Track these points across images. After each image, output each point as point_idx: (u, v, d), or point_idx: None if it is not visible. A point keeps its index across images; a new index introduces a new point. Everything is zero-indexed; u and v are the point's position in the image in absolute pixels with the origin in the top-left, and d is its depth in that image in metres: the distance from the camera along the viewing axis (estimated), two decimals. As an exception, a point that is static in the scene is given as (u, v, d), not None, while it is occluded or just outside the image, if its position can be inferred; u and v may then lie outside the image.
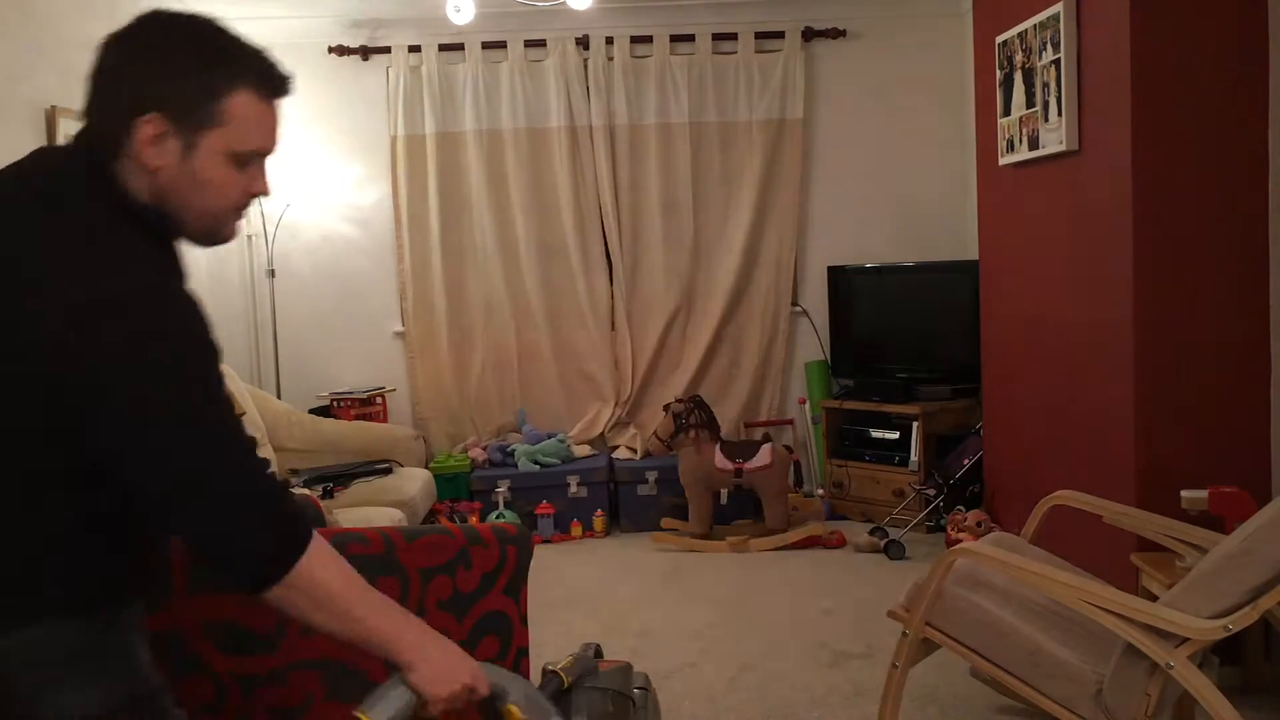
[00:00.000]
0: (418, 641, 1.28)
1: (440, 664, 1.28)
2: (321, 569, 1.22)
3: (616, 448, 5.33)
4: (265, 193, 1.38)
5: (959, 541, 3.19)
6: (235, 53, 1.30)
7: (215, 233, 1.36)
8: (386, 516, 3.87)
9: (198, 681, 1.83)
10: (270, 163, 1.39)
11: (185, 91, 1.27)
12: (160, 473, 1.18)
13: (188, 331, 1.21)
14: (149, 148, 1.26)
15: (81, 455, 1.20)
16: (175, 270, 1.34)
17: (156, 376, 1.17)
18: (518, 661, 1.98)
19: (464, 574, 1.93)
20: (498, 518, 4.81)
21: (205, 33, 1.30)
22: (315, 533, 1.22)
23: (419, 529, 1.98)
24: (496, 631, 1.96)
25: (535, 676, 1.95)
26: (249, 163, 1.33)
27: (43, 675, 1.22)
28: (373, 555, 1.88)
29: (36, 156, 1.32)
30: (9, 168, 1.31)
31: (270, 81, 1.33)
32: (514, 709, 1.34)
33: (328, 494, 4.16)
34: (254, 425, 4.44)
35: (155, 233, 1.29)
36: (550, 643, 3.35)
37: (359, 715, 1.23)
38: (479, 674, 1.32)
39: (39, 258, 1.20)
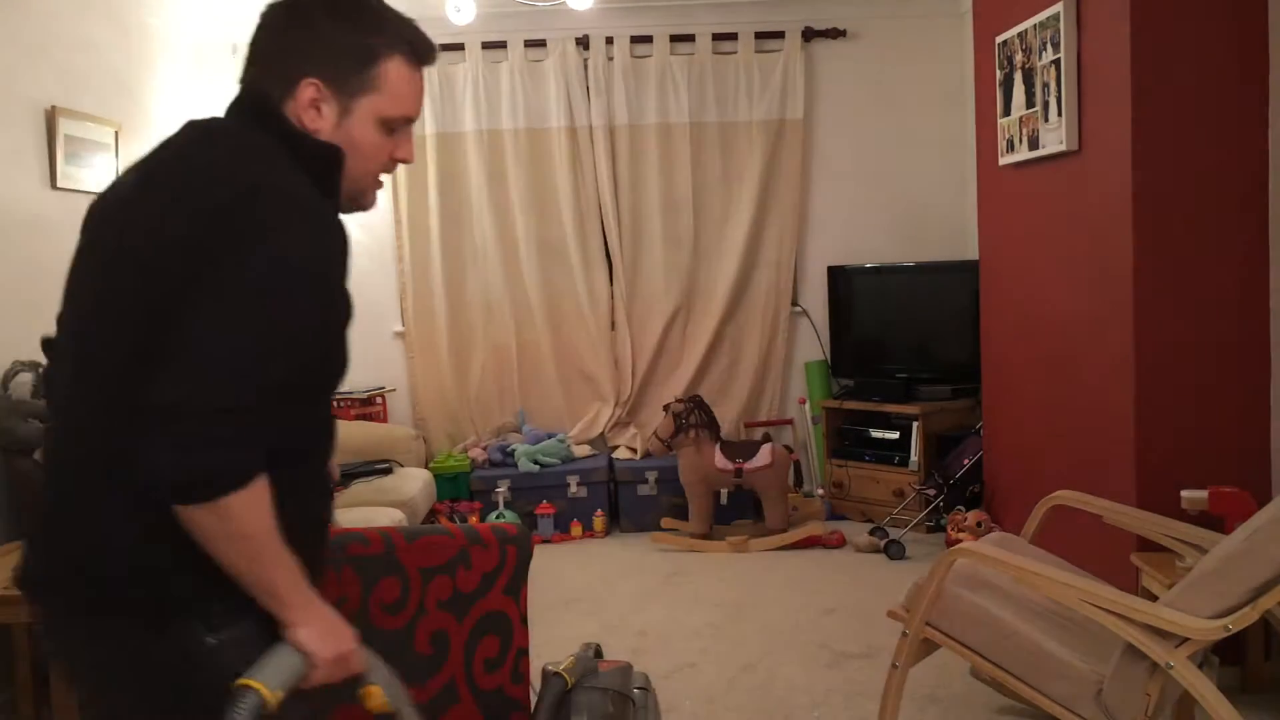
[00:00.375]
0: (308, 602, 1.29)
1: (328, 626, 1.29)
2: (251, 510, 1.20)
3: (616, 448, 5.32)
4: (409, 159, 1.44)
5: (959, 541, 3.19)
6: (388, 21, 1.37)
7: (359, 197, 1.44)
8: (386, 516, 3.87)
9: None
10: None
11: (344, 58, 1.33)
12: (191, 337, 1.19)
13: (328, 261, 1.33)
14: (308, 110, 1.33)
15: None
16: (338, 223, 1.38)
17: (279, 250, 1.25)
18: (518, 661, 1.98)
19: (464, 574, 1.93)
20: (498, 518, 4.81)
21: (362, 2, 1.37)
22: (265, 480, 1.21)
23: (419, 529, 1.98)
24: (496, 631, 1.96)
25: (535, 677, 1.96)
26: (396, 129, 1.40)
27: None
28: (373, 555, 1.88)
29: (193, 123, 1.36)
30: (168, 139, 1.35)
31: (420, 50, 1.40)
32: (375, 689, 1.36)
33: (328, 494, 4.15)
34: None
35: (321, 186, 1.35)
36: (550, 643, 3.35)
37: (248, 683, 1.20)
38: (359, 649, 1.34)
39: (225, 162, 1.27)
